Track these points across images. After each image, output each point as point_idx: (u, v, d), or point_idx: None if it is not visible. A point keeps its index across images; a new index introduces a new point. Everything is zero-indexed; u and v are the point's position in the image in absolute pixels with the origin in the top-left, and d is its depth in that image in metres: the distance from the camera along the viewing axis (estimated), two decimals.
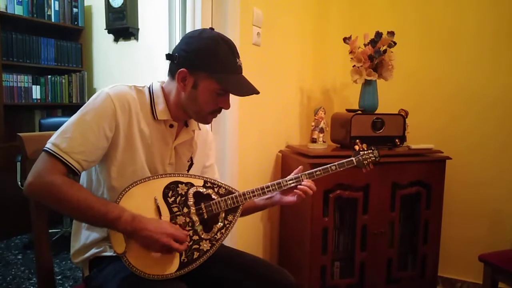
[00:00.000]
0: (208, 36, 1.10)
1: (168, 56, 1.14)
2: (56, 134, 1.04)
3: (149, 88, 1.17)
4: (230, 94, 1.15)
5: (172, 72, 1.14)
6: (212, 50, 1.08)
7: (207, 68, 1.09)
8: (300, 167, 1.30)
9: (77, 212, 1.02)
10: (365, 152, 1.33)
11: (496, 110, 2.27)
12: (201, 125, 1.28)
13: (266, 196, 1.29)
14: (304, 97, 2.51)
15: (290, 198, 1.27)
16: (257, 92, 1.13)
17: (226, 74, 1.10)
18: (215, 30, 1.16)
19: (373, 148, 1.34)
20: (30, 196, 1.03)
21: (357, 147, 1.34)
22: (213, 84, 1.09)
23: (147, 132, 1.13)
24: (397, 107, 2.25)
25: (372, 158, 1.32)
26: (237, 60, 1.12)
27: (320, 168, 1.27)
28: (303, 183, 1.24)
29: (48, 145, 1.02)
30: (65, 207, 1.01)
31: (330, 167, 1.27)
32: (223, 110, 1.18)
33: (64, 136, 1.03)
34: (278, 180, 1.25)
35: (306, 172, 1.26)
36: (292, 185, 1.25)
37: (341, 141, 2.15)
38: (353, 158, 1.32)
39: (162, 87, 1.17)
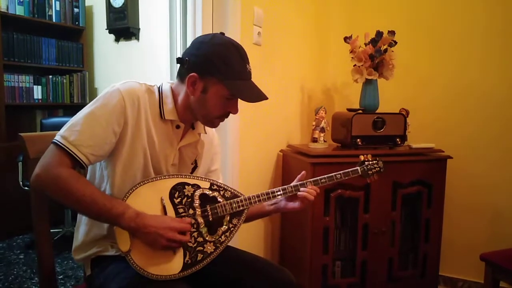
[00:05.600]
0: (219, 42, 1.11)
1: (179, 60, 1.14)
2: (65, 126, 1.05)
3: (159, 87, 1.18)
4: (238, 99, 1.15)
5: (181, 76, 1.15)
6: (223, 56, 1.09)
7: (218, 73, 1.09)
8: (303, 172, 1.30)
9: (82, 206, 1.03)
10: (370, 162, 1.34)
11: (504, 110, 2.27)
12: (207, 129, 1.29)
13: (271, 202, 1.30)
14: (305, 97, 2.51)
15: (294, 204, 1.27)
16: (266, 98, 1.14)
17: (236, 80, 1.11)
18: (224, 34, 1.16)
19: (377, 159, 1.35)
20: (37, 187, 1.03)
21: (362, 157, 1.35)
22: (223, 90, 1.10)
23: (153, 131, 1.14)
24: (398, 107, 2.25)
25: (376, 169, 1.34)
26: (247, 66, 1.13)
27: (325, 176, 1.28)
28: (302, 189, 1.25)
29: (57, 137, 1.04)
30: (70, 200, 1.02)
31: (335, 175, 1.28)
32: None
33: (73, 129, 1.04)
34: (284, 186, 1.25)
35: (311, 180, 1.26)
36: (298, 192, 1.26)
37: (342, 140, 2.15)
38: (358, 168, 1.33)
39: (171, 88, 1.18)
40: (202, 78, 1.10)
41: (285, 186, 1.25)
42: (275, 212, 1.34)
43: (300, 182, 1.26)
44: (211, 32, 1.76)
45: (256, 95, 1.13)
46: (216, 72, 1.09)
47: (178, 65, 1.16)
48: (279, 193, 1.23)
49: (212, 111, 1.14)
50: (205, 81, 1.10)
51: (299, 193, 1.24)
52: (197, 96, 1.12)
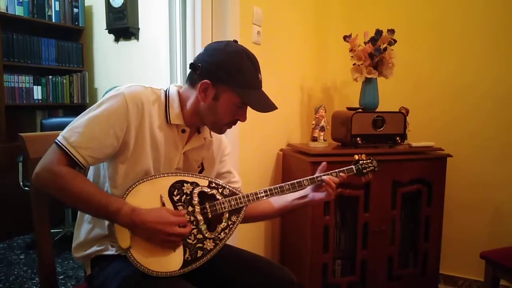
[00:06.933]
0: (233, 50, 1.12)
1: (191, 66, 1.14)
2: (68, 127, 1.07)
3: (166, 91, 1.18)
4: (248, 107, 1.16)
5: (192, 81, 1.15)
6: (236, 65, 1.10)
7: (231, 82, 1.10)
8: (323, 163, 1.30)
9: (79, 203, 1.06)
10: (365, 161, 1.35)
11: (503, 108, 2.27)
12: (213, 132, 1.28)
13: (298, 196, 1.31)
14: (304, 96, 2.52)
15: (321, 195, 1.27)
16: (276, 108, 1.15)
17: (248, 89, 1.12)
18: (238, 42, 1.17)
19: (372, 158, 1.36)
20: (36, 185, 1.05)
21: (356, 156, 1.36)
22: (234, 98, 1.11)
23: (158, 135, 1.14)
24: (397, 105, 2.25)
25: (371, 168, 1.35)
26: (259, 75, 1.15)
27: (322, 174, 1.28)
28: (324, 177, 1.25)
29: (59, 137, 1.05)
30: (68, 197, 1.04)
31: (331, 174, 1.29)
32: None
33: (75, 130, 1.05)
34: (281, 184, 1.25)
35: (308, 178, 1.27)
36: (293, 189, 1.26)
37: (342, 139, 2.15)
38: (353, 167, 1.34)
39: (179, 92, 1.18)
40: (214, 85, 1.11)
41: (282, 184, 1.25)
42: (304, 205, 1.32)
43: (297, 181, 1.26)
44: (210, 29, 1.78)
45: (267, 105, 1.15)
46: (228, 80, 1.10)
47: (189, 70, 1.16)
48: (276, 190, 1.24)
49: (221, 118, 1.15)
50: (217, 88, 1.11)
51: (325, 181, 1.24)
52: (208, 103, 1.13)
